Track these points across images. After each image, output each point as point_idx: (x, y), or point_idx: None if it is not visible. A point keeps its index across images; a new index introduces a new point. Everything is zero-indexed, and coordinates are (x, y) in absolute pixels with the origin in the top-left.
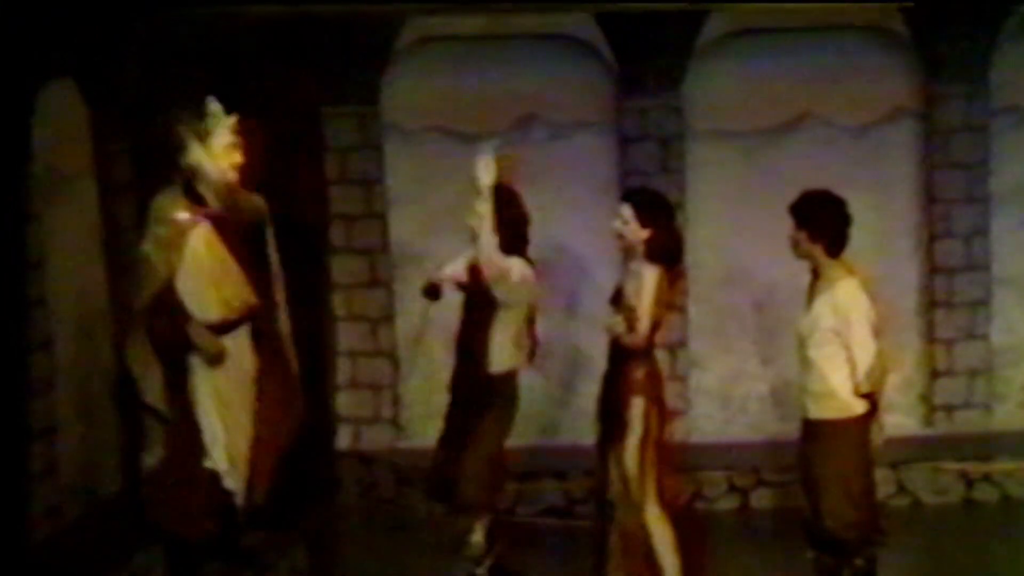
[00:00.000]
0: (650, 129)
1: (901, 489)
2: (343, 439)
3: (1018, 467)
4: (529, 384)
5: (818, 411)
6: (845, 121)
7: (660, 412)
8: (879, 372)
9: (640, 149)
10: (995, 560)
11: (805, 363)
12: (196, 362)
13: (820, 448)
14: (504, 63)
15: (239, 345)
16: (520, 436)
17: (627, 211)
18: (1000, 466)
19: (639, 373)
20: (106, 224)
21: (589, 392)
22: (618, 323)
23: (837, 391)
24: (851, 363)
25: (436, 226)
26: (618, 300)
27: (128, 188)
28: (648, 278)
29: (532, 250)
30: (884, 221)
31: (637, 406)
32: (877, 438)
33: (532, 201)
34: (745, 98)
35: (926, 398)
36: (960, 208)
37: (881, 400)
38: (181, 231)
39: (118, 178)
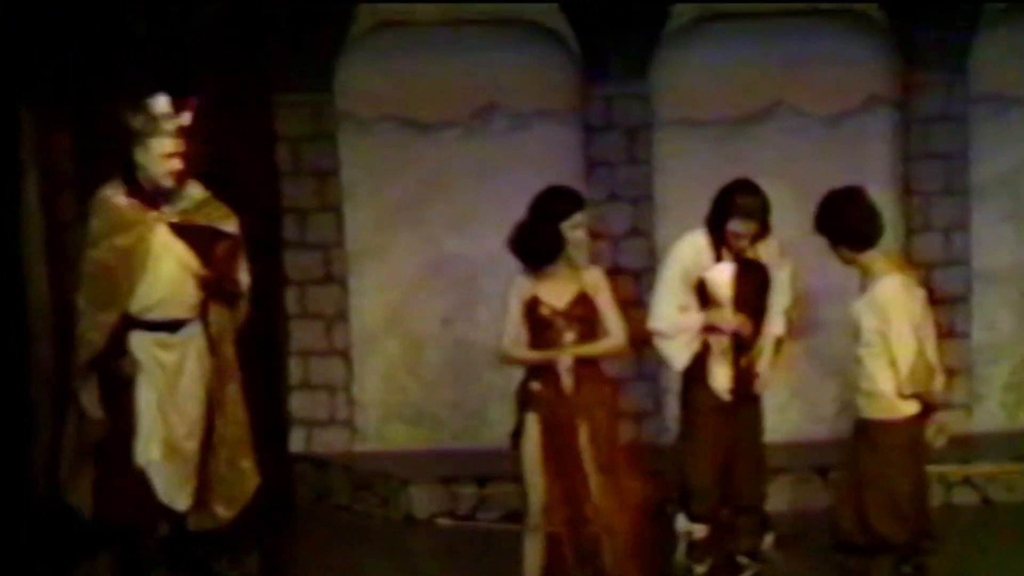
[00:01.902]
0: (616, 118)
1: None
2: (296, 442)
3: (999, 470)
4: (489, 383)
5: (868, 411)
6: (818, 110)
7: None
8: (923, 372)
9: (606, 139)
10: (976, 567)
11: (856, 363)
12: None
13: (867, 448)
14: (464, 50)
15: (189, 346)
16: (480, 440)
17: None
18: (980, 469)
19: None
20: (48, 219)
21: None
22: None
23: (884, 392)
24: (893, 363)
25: (393, 219)
26: (577, 312)
27: (71, 182)
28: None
29: (491, 244)
30: None
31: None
32: (936, 440)
33: (492, 194)
34: (715, 86)
35: None
36: (939, 200)
37: (935, 400)
38: (142, 237)
39: (61, 171)
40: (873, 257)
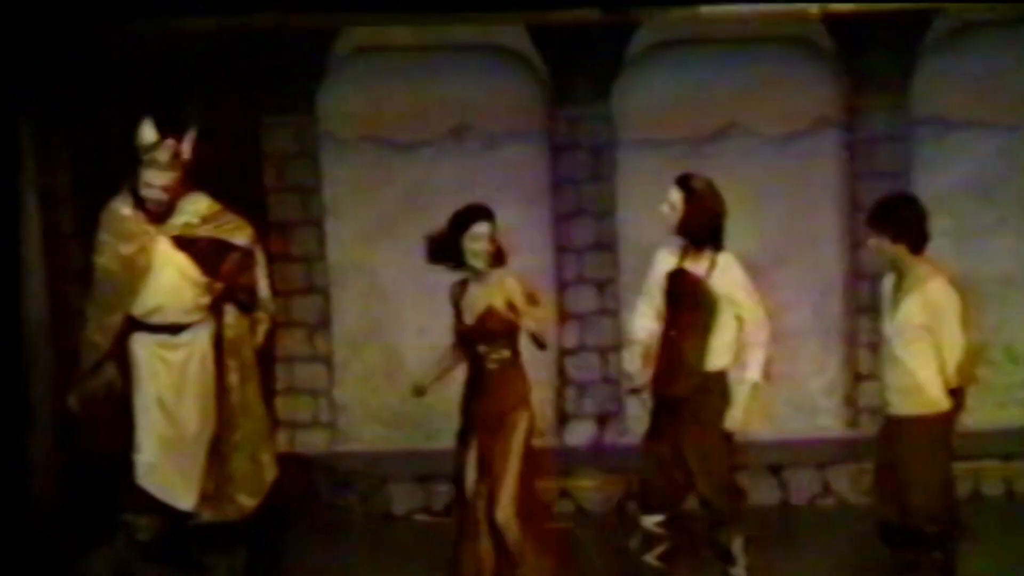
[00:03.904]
0: (581, 138)
1: (827, 489)
2: (281, 442)
3: None
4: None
5: (906, 407)
6: (771, 131)
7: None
8: (969, 366)
9: (572, 158)
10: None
11: (892, 361)
12: (140, 361)
13: (907, 444)
14: (438, 74)
15: (194, 347)
16: (453, 440)
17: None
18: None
19: (525, 386)
20: (46, 232)
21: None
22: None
23: (926, 387)
24: (940, 358)
25: (372, 233)
26: (487, 327)
27: (68, 197)
28: (515, 287)
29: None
30: (809, 228)
31: (524, 417)
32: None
33: None
34: (673, 108)
35: (851, 400)
36: None
37: (966, 395)
38: (143, 247)
39: (59, 187)
40: (922, 259)
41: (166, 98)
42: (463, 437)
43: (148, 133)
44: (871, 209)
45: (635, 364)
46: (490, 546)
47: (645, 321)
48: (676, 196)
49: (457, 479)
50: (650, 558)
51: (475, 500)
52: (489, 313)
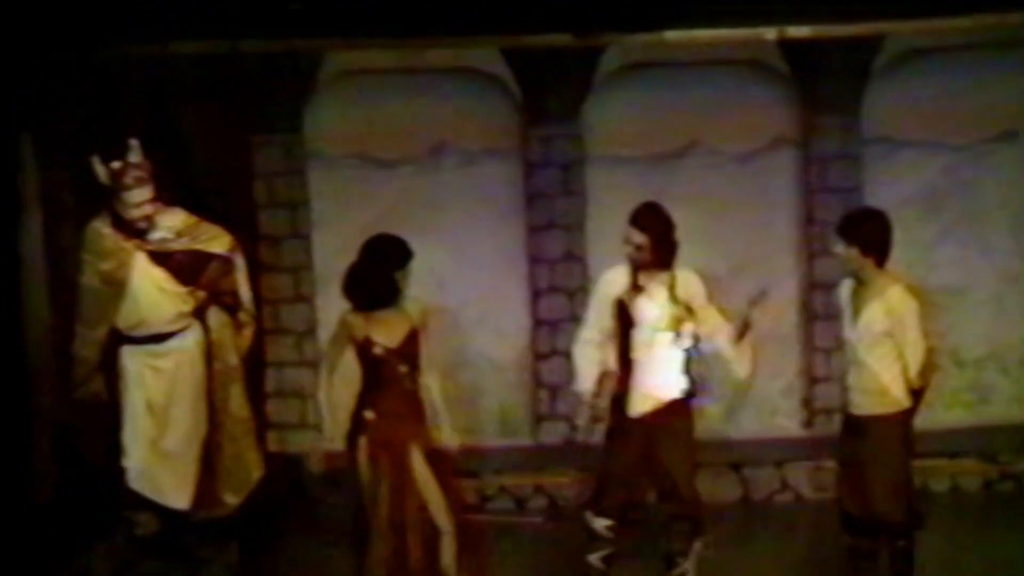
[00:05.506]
0: (553, 155)
1: (785, 486)
2: (271, 443)
3: None
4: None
5: (870, 408)
6: (731, 149)
7: None
8: (929, 368)
9: (544, 174)
10: None
11: (856, 364)
12: (128, 371)
13: (870, 441)
14: (418, 95)
15: (183, 352)
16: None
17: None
18: None
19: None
20: (49, 246)
21: (498, 396)
22: None
23: (889, 388)
24: (902, 361)
25: (356, 245)
26: (408, 349)
27: (70, 213)
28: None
29: (443, 267)
30: (767, 241)
31: (428, 436)
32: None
33: (445, 222)
34: (639, 127)
35: (807, 402)
36: None
37: (925, 394)
38: (122, 263)
39: (61, 203)
40: (883, 271)
41: (159, 118)
42: (352, 439)
43: (101, 171)
44: (844, 219)
45: (584, 416)
46: (391, 550)
47: (593, 353)
48: (640, 238)
49: (364, 491)
50: (594, 559)
51: (387, 510)
52: (414, 335)
